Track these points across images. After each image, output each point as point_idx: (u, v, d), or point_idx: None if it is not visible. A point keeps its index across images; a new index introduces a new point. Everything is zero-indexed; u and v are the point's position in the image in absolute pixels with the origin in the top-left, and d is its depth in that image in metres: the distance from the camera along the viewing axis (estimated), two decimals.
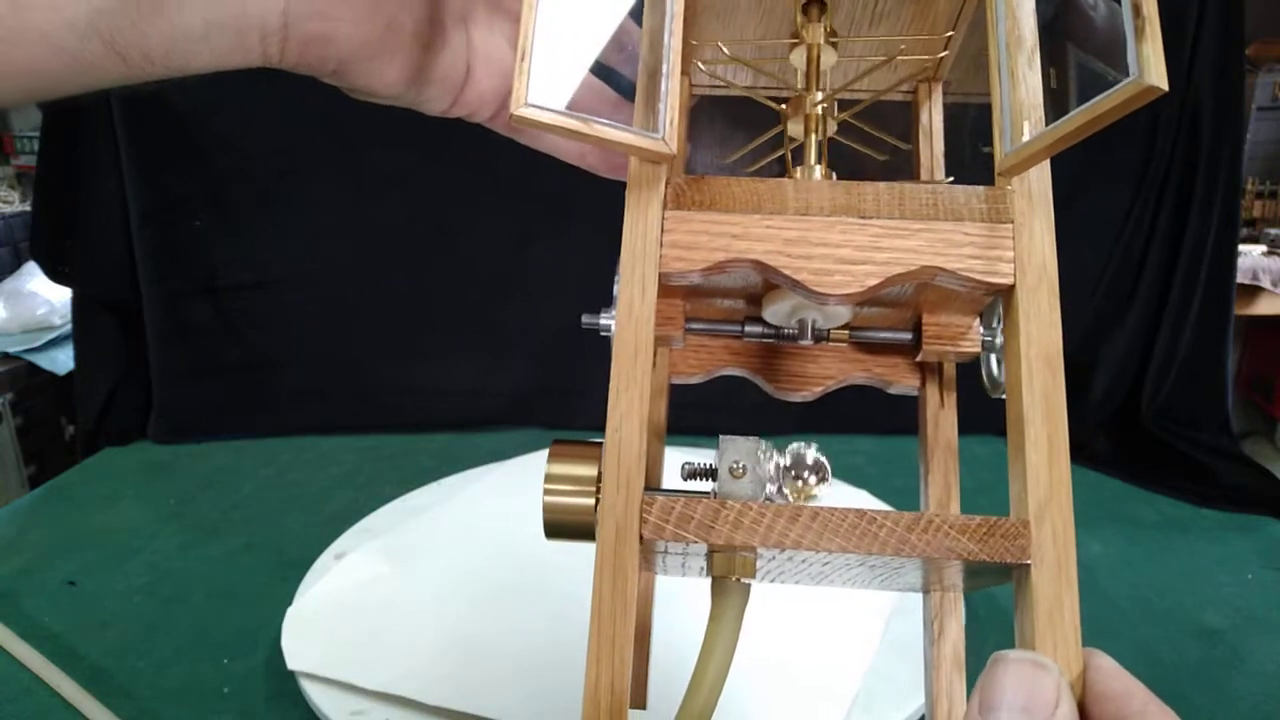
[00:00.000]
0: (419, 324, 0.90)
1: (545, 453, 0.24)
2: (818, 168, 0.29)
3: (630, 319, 0.23)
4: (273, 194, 0.88)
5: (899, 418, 0.99)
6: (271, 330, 0.91)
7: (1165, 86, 0.18)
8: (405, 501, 0.68)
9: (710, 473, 0.26)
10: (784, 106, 0.31)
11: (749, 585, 0.24)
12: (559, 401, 0.86)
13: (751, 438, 0.25)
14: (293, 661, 0.48)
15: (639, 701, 0.33)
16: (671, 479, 0.28)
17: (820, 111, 0.30)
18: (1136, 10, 0.19)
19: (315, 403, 0.91)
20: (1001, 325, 0.25)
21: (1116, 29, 0.19)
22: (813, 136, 0.30)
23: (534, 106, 0.22)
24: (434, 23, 0.32)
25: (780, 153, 0.32)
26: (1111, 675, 0.20)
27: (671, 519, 0.22)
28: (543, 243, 0.88)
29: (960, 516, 0.22)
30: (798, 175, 0.29)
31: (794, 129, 0.31)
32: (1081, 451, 0.81)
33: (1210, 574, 0.59)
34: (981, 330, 0.29)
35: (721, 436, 0.25)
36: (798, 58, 0.30)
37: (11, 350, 1.43)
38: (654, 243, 0.24)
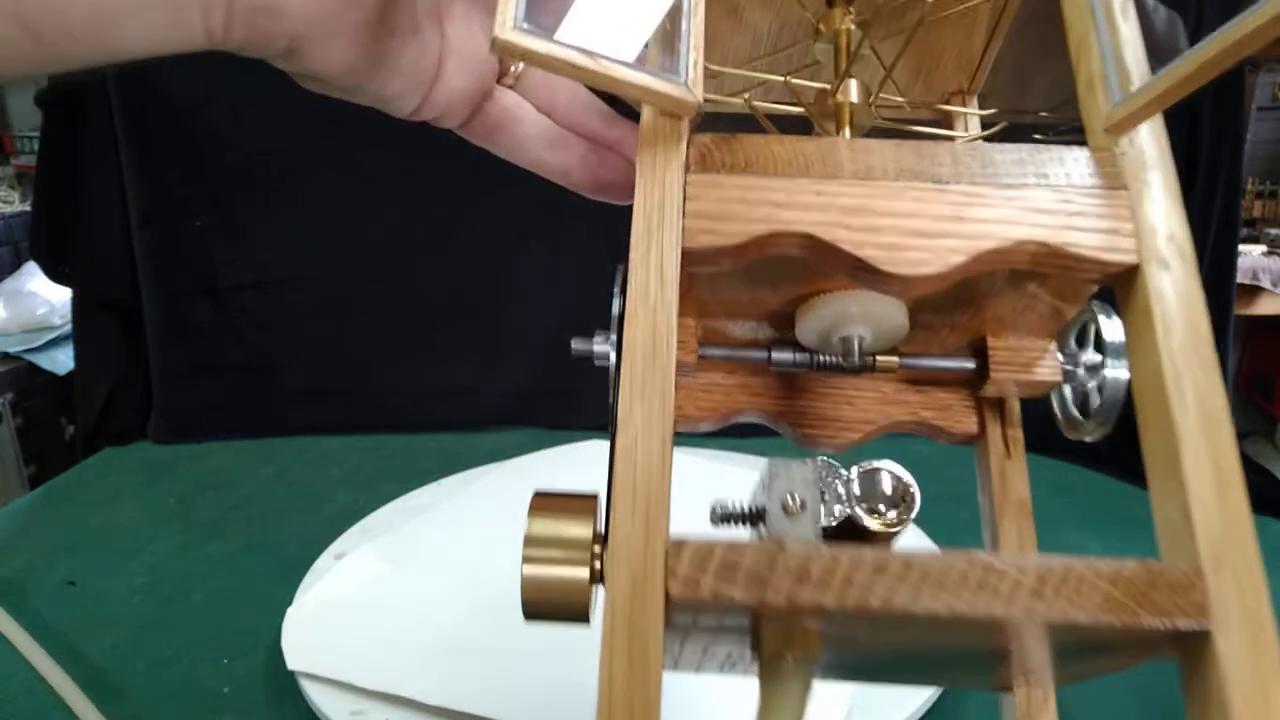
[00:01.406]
0: (419, 324, 0.90)
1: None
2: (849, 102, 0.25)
3: (647, 307, 0.18)
4: (273, 194, 0.88)
5: None
6: (272, 330, 0.91)
7: None
8: (405, 501, 0.68)
9: (754, 515, 0.20)
10: (811, 104, 0.27)
11: (810, 673, 0.18)
12: (559, 401, 0.86)
13: (808, 461, 0.20)
14: (293, 661, 0.48)
15: None
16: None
17: (854, 98, 0.25)
18: None
19: (315, 403, 0.91)
20: (1092, 344, 0.21)
21: None
22: (845, 130, 0.25)
23: (523, 31, 0.17)
24: (401, 6, 0.29)
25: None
26: None
27: (710, 569, 0.15)
28: (542, 242, 0.88)
29: (1107, 562, 0.16)
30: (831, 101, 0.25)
31: (824, 126, 0.27)
32: (1082, 452, 0.81)
33: None
34: (1061, 356, 0.24)
35: (769, 460, 0.20)
36: (823, 51, 0.26)
37: (11, 350, 1.43)
38: (675, 211, 0.18)
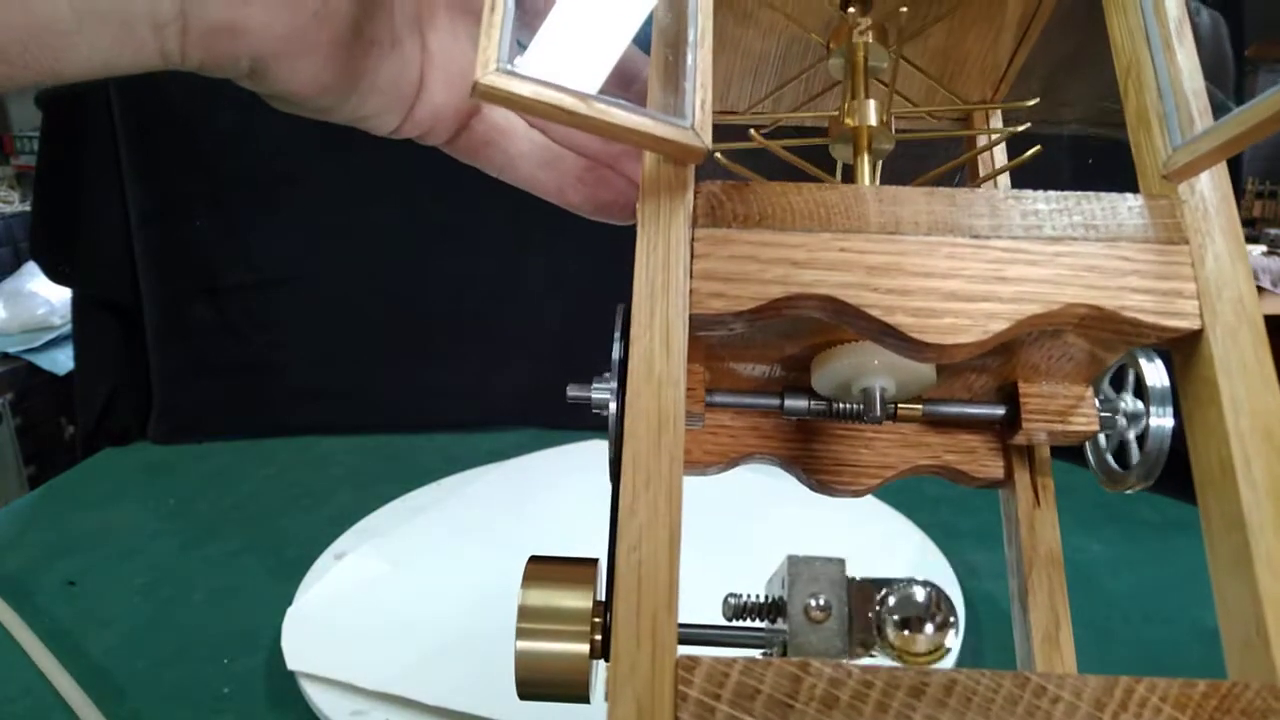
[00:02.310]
0: (419, 324, 0.90)
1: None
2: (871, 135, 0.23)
3: (651, 381, 0.15)
4: (273, 194, 0.88)
5: None
6: (272, 330, 0.91)
7: None
8: (405, 501, 0.68)
9: (773, 608, 0.18)
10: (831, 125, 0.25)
11: None
12: (559, 401, 0.85)
13: (833, 559, 0.18)
14: (293, 661, 0.48)
15: None
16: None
17: (871, 120, 0.23)
18: None
19: (315, 403, 0.91)
20: (1131, 390, 0.20)
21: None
22: (864, 156, 0.23)
23: (507, 74, 0.15)
24: (378, 18, 0.26)
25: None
26: None
27: (726, 695, 0.13)
28: (543, 242, 0.88)
29: (1174, 683, 0.14)
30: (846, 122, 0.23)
31: (840, 151, 0.24)
32: (1082, 452, 0.81)
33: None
34: (1098, 403, 0.22)
35: (789, 556, 0.18)
36: (836, 67, 0.24)
37: (11, 350, 1.43)
38: (682, 270, 0.16)
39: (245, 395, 0.91)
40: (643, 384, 0.15)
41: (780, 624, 0.17)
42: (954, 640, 0.17)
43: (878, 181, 0.23)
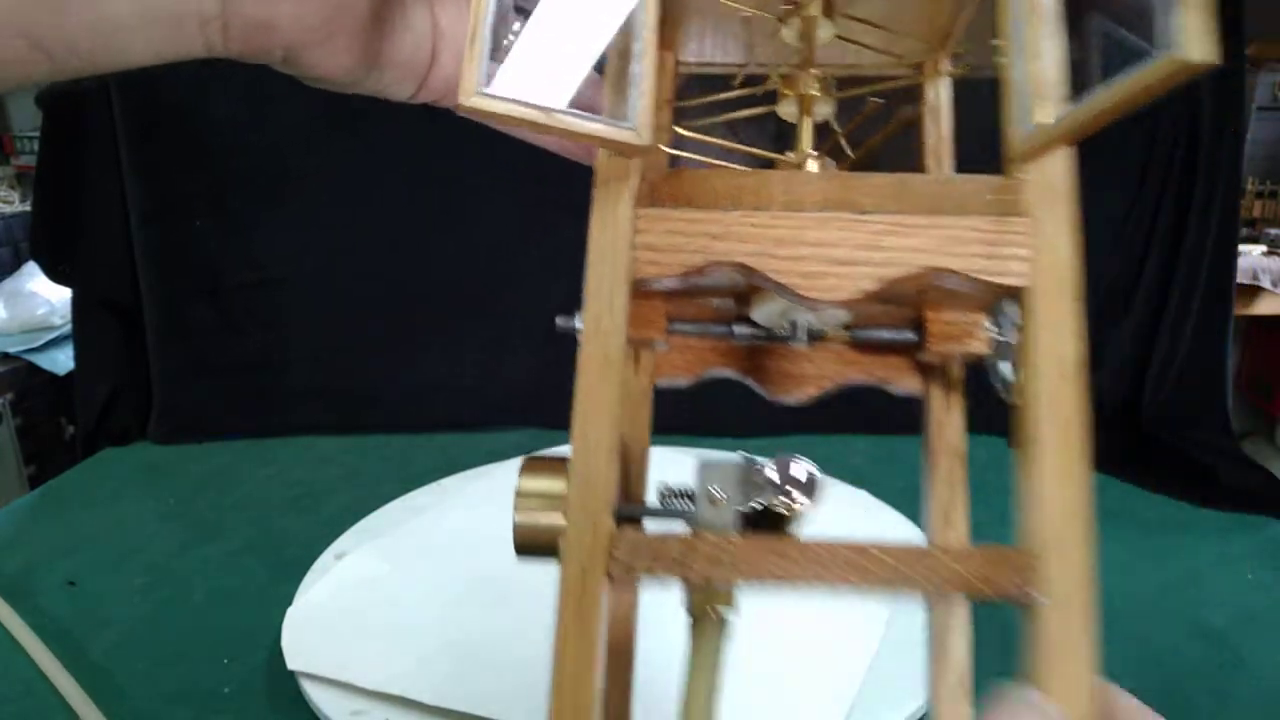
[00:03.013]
0: (420, 324, 0.90)
1: (545, 453, 0.24)
2: (811, 157, 0.27)
3: (597, 333, 0.21)
4: (274, 194, 0.88)
5: (899, 417, 0.99)
6: (271, 330, 0.91)
7: (1211, 59, 0.15)
8: (405, 501, 0.68)
9: (688, 495, 0.25)
10: (779, 83, 0.29)
11: (728, 619, 0.23)
12: (559, 401, 0.85)
13: (735, 458, 0.24)
14: (293, 661, 0.48)
15: None
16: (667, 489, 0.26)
17: (816, 90, 0.28)
18: None
19: (315, 403, 0.91)
20: (1015, 326, 0.23)
21: None
22: (807, 120, 0.27)
23: (487, 95, 0.19)
24: (392, 3, 0.30)
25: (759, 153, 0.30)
26: (1132, 715, 0.19)
27: (642, 557, 0.20)
28: (543, 242, 0.88)
29: (963, 549, 0.20)
30: (789, 157, 0.27)
31: (786, 110, 0.28)
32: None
33: (1210, 574, 0.59)
34: (990, 328, 0.27)
35: (701, 459, 0.24)
36: (790, 33, 0.27)
37: (11, 350, 1.43)
38: (624, 245, 0.21)
39: (245, 395, 0.91)
40: (593, 335, 0.21)
41: (691, 507, 0.24)
42: (814, 499, 0.24)
43: (819, 136, 0.28)
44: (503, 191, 0.86)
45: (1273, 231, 1.26)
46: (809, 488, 0.24)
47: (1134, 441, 0.81)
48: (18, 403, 1.39)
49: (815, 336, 0.27)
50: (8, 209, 1.93)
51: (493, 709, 0.43)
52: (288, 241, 0.88)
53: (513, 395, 0.89)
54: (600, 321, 0.21)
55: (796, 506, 0.24)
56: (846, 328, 0.27)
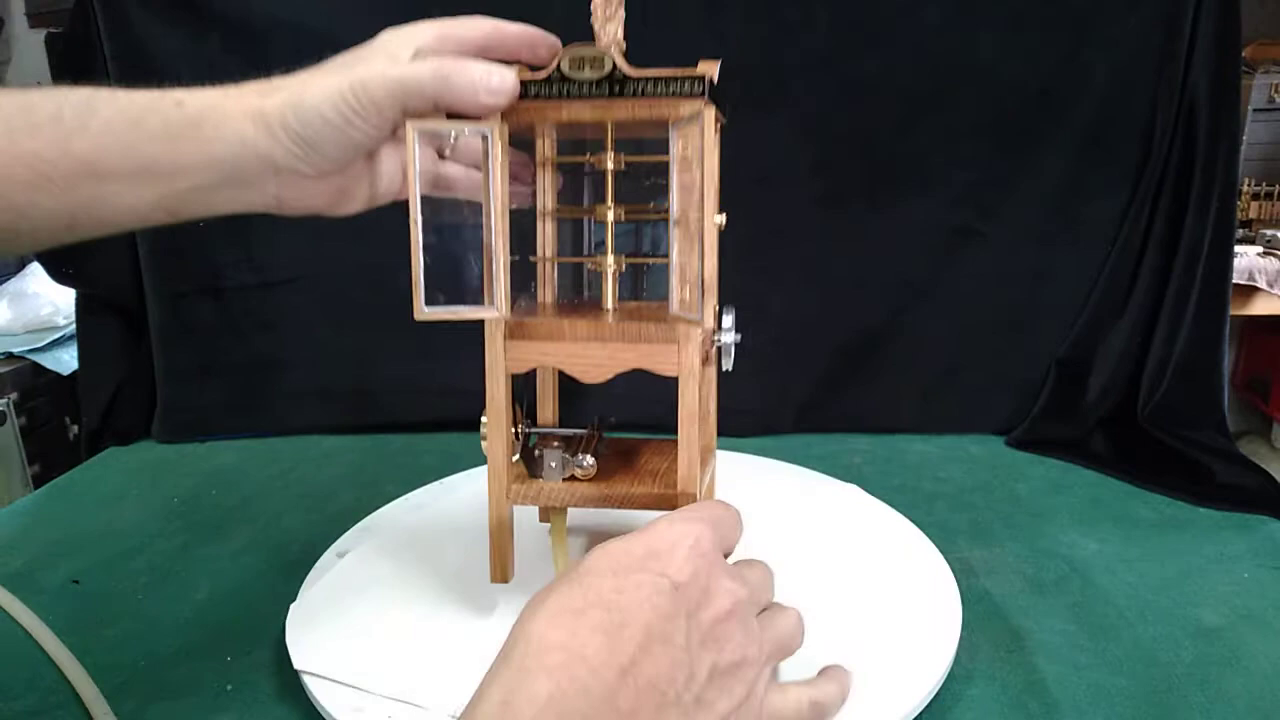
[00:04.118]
0: (421, 324, 0.90)
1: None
2: (610, 208, 0.49)
3: (494, 403, 0.49)
4: None
5: (896, 417, 0.99)
6: (274, 330, 0.91)
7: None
8: (408, 500, 0.69)
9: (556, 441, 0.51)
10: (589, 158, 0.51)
11: (564, 522, 0.51)
12: (559, 401, 0.86)
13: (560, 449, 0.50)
14: (295, 659, 0.48)
15: (503, 577, 0.50)
16: None
17: (610, 166, 0.49)
18: None
19: (318, 402, 0.92)
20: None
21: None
22: (609, 182, 0.50)
23: (429, 310, 0.45)
24: (352, 171, 0.45)
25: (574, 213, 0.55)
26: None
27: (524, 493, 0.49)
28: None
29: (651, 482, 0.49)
30: (597, 210, 0.50)
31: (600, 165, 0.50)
32: (1079, 450, 0.81)
33: (1207, 573, 0.60)
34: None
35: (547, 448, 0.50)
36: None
37: (16, 350, 1.44)
38: (501, 359, 0.48)
39: (248, 395, 0.92)
40: (491, 401, 0.49)
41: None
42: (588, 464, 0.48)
43: (616, 186, 0.50)
44: None
45: (1269, 232, 1.27)
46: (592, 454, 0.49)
47: (1130, 441, 0.81)
48: (22, 402, 1.40)
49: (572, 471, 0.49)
50: None
51: None
52: (290, 241, 0.89)
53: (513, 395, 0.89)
54: (494, 398, 0.48)
55: (582, 465, 0.48)
56: None
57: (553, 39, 0.46)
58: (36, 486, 1.11)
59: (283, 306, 0.90)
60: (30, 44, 2.10)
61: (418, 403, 0.90)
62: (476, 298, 0.45)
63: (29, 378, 1.42)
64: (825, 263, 0.86)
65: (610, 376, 0.45)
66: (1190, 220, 0.80)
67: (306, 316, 0.91)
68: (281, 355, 0.91)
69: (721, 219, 0.45)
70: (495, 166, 0.43)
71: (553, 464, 0.48)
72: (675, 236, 0.44)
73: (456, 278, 0.46)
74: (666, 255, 0.46)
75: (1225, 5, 0.78)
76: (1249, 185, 1.32)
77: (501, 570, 0.50)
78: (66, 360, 1.44)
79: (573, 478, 0.48)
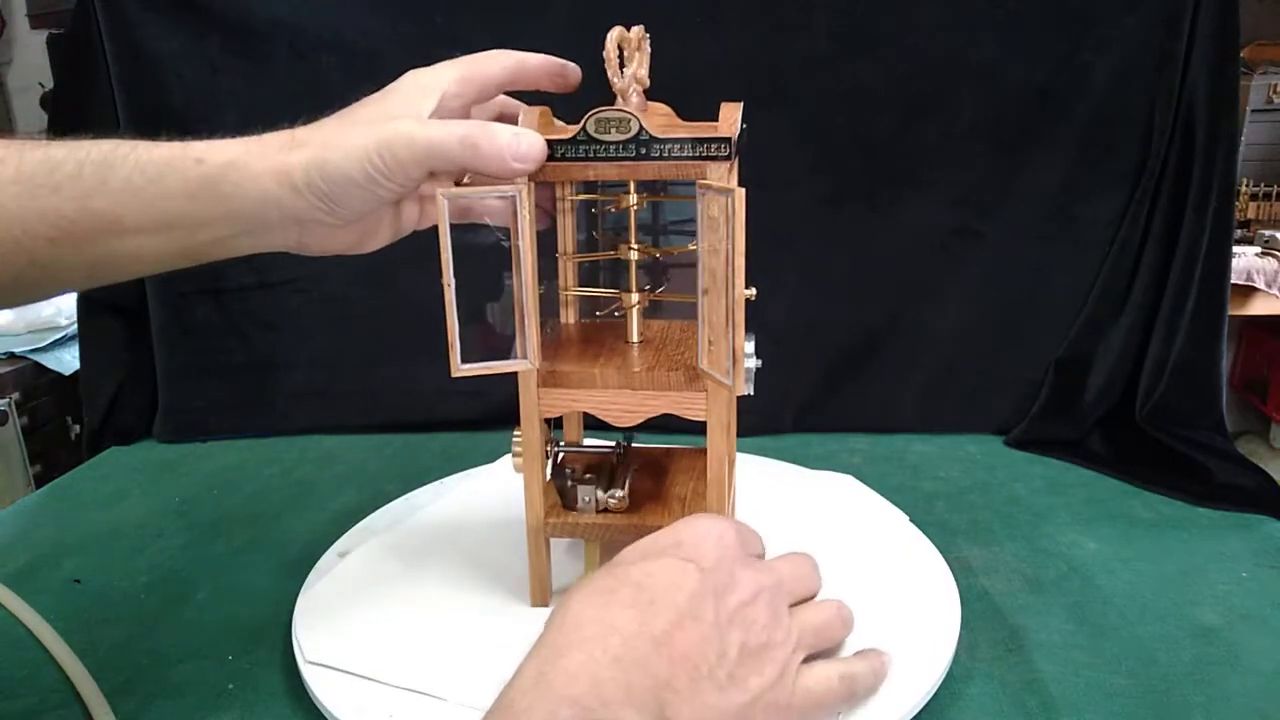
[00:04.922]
0: (421, 323, 0.90)
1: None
2: (634, 248, 0.51)
3: (529, 447, 0.50)
4: None
5: (895, 417, 0.99)
6: (275, 330, 0.91)
7: None
8: (408, 500, 0.69)
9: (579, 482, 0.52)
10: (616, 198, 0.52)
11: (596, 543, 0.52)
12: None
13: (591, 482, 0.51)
14: (298, 658, 0.48)
15: (543, 601, 0.52)
16: None
17: (633, 201, 0.51)
18: None
19: (319, 402, 0.92)
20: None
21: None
22: (632, 222, 0.51)
23: (464, 366, 0.45)
24: (375, 216, 0.45)
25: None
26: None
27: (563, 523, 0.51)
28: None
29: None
30: (623, 248, 0.51)
31: (625, 205, 0.51)
32: (1077, 450, 0.82)
33: (1206, 572, 0.60)
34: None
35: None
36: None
37: (18, 350, 1.44)
38: (535, 405, 0.49)
39: (249, 395, 0.92)
40: (527, 432, 0.50)
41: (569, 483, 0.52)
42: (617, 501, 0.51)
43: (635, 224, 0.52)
44: None
45: (1267, 232, 1.27)
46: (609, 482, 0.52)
47: (1129, 440, 0.81)
48: (24, 402, 1.40)
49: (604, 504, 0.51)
50: None
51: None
52: None
53: (513, 395, 0.89)
54: (529, 436, 0.50)
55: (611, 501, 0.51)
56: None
57: (573, 66, 0.46)
58: (38, 486, 1.11)
59: (283, 306, 0.91)
60: (31, 45, 2.10)
61: (418, 403, 0.90)
62: (509, 351, 0.47)
63: (31, 378, 1.42)
64: (825, 263, 0.86)
65: (640, 421, 0.47)
66: (1188, 220, 0.80)
67: (307, 316, 0.91)
68: (282, 355, 0.92)
69: (751, 292, 0.44)
70: (524, 227, 0.44)
71: (586, 499, 0.50)
72: (702, 294, 0.45)
73: (489, 332, 0.48)
74: (685, 294, 0.48)
75: (1224, 6, 0.78)
76: (1247, 185, 1.32)
77: (541, 594, 0.52)
78: (68, 360, 1.44)
79: (606, 509, 0.51)
